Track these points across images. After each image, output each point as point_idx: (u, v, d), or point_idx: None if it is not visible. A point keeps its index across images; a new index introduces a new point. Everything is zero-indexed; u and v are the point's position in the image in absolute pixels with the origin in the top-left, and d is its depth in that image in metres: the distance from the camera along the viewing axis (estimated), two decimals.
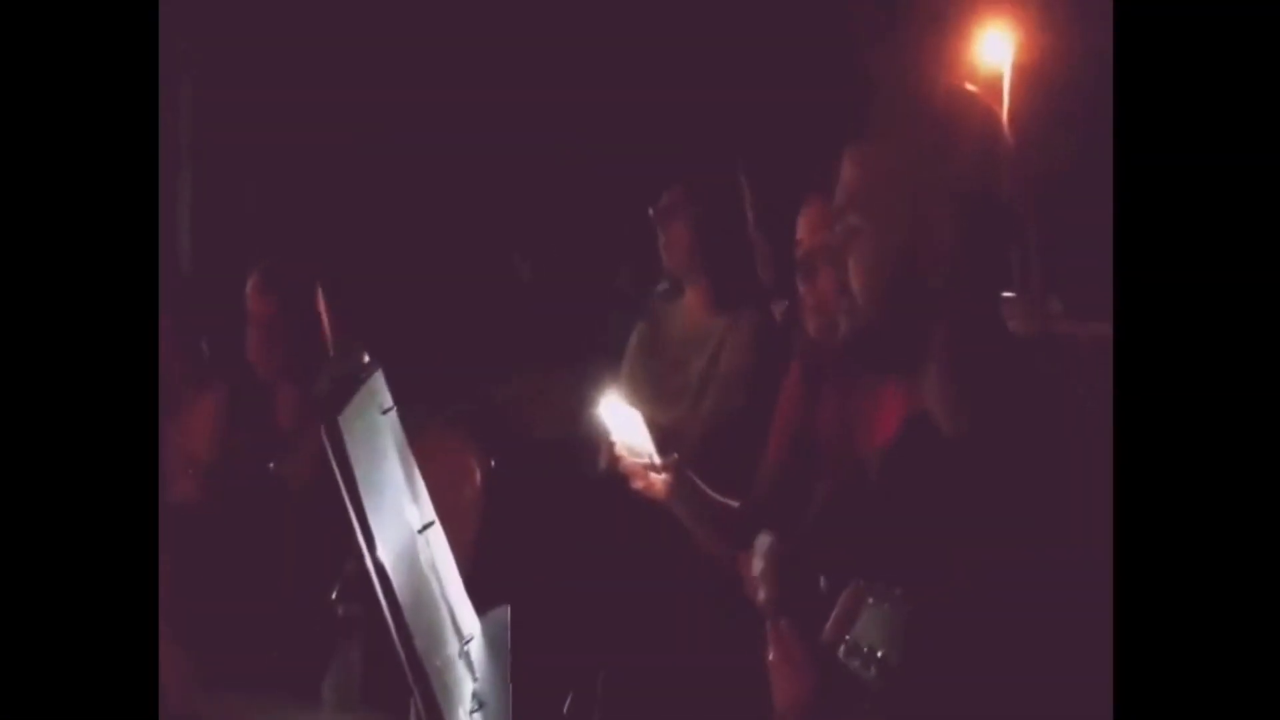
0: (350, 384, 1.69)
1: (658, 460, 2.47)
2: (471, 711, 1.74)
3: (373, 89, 4.86)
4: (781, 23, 4.73)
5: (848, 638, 1.28)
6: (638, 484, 2.50)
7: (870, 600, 1.27)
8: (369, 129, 4.80)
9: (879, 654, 1.24)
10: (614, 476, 2.60)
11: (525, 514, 3.20)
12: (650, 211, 3.13)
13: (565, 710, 3.01)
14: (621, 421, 2.51)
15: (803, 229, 2.36)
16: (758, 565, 1.86)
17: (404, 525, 1.76)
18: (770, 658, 1.41)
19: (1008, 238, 1.42)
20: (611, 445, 2.55)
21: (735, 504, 2.49)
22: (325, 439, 1.50)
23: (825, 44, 4.59)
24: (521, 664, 1.93)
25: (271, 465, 2.88)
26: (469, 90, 4.90)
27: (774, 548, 1.72)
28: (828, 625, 1.31)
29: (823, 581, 1.41)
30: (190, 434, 3.20)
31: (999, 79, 3.73)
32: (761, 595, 1.74)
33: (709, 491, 2.48)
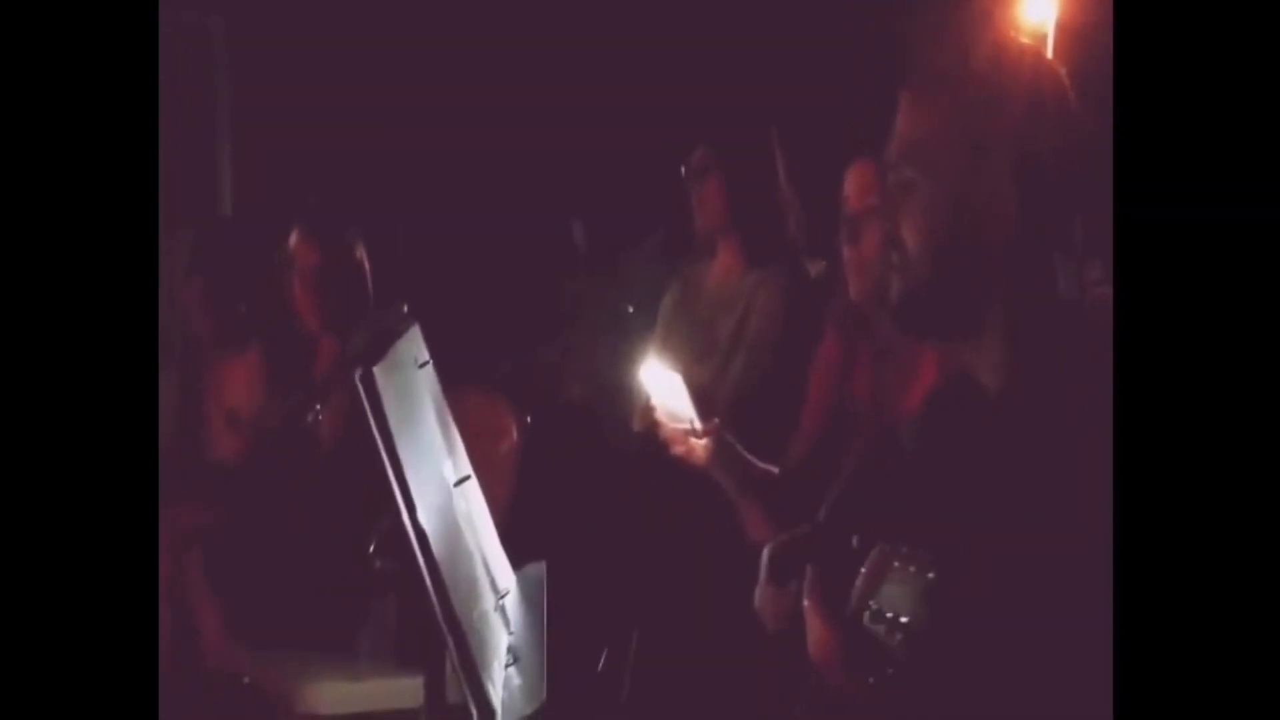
0: (387, 337, 1.69)
1: (699, 425, 2.43)
2: (506, 665, 1.75)
3: (418, 47, 4.85)
4: None
5: (872, 604, 1.27)
6: (678, 450, 2.46)
7: (895, 565, 1.26)
8: (414, 86, 4.80)
9: (903, 620, 1.23)
10: (649, 439, 2.57)
11: (561, 471, 3.20)
12: (682, 170, 3.12)
13: (599, 666, 3.02)
14: (662, 385, 2.48)
15: (851, 189, 2.31)
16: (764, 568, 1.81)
17: (440, 478, 1.76)
18: (805, 605, 1.39)
19: (1066, 195, 1.38)
20: (649, 408, 2.51)
21: (775, 470, 2.47)
22: (361, 390, 1.50)
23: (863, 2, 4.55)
24: (556, 619, 1.94)
25: (312, 418, 2.90)
26: (514, 55, 4.89)
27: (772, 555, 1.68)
28: (854, 590, 1.30)
29: (855, 539, 1.39)
30: (233, 391, 3.22)
31: (1043, 37, 3.68)
32: (767, 620, 1.71)
33: (749, 458, 2.45)
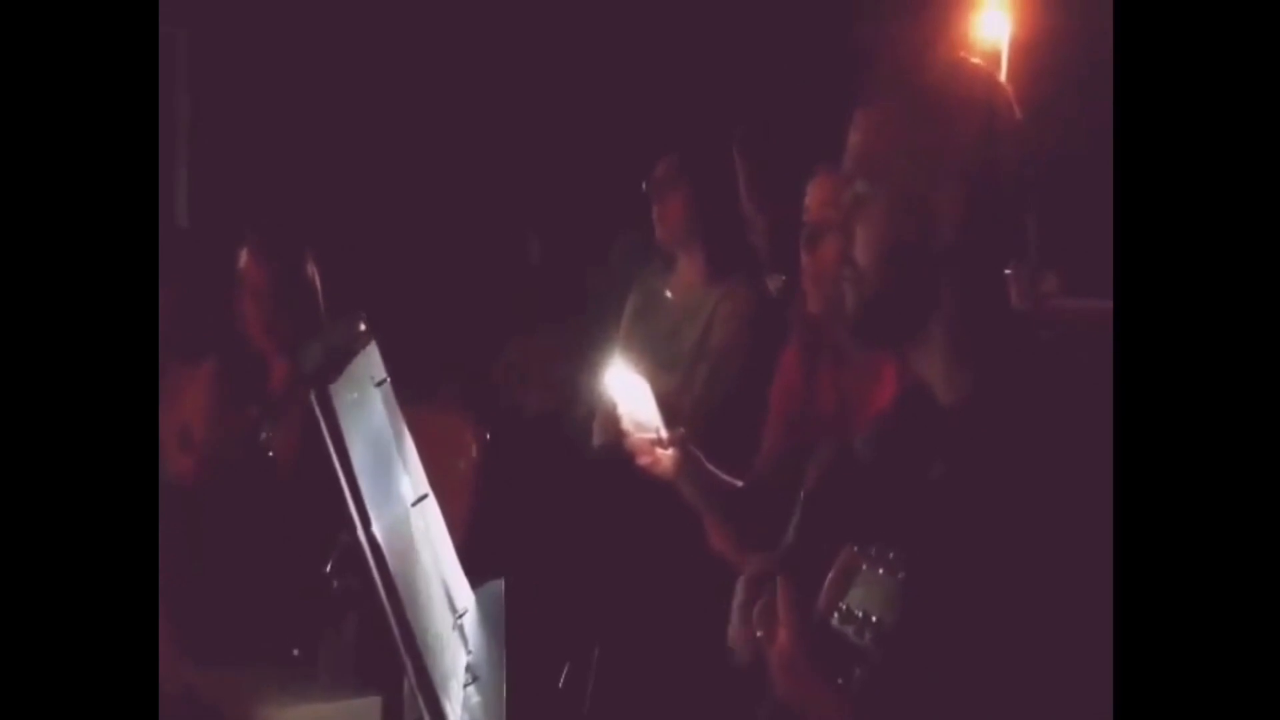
0: (343, 354, 1.67)
1: (664, 434, 2.41)
2: (465, 684, 1.74)
3: (378, 61, 4.84)
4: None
5: (841, 604, 1.27)
6: (643, 460, 2.44)
7: (864, 566, 1.26)
8: (368, 100, 4.79)
9: (873, 619, 1.23)
10: (613, 450, 2.56)
11: (521, 487, 3.19)
12: (644, 184, 3.13)
13: (560, 683, 3.01)
14: (628, 392, 2.46)
15: (811, 200, 2.32)
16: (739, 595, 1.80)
17: (397, 498, 1.75)
18: (778, 610, 1.39)
19: (1015, 209, 1.41)
20: (615, 418, 2.49)
21: (739, 484, 2.46)
22: (317, 409, 1.49)
23: (821, 15, 4.58)
24: (516, 637, 1.93)
25: (264, 435, 2.87)
26: (469, 61, 4.88)
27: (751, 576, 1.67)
28: (822, 592, 1.30)
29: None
30: (184, 409, 3.19)
31: (998, 53, 3.72)
32: (733, 631, 1.70)
33: (714, 470, 2.44)
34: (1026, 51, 3.64)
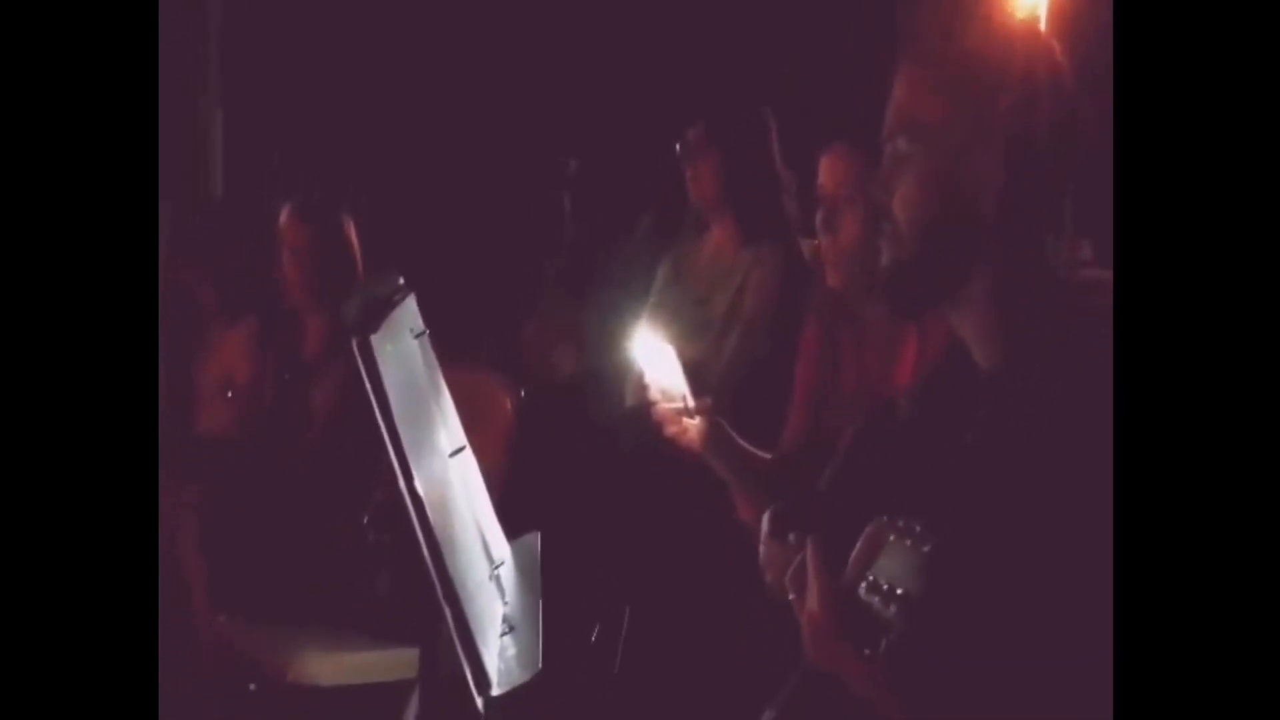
0: (383, 306, 1.69)
1: (692, 403, 2.41)
2: (502, 634, 1.76)
3: (413, 22, 4.84)
4: None
5: (869, 575, 1.27)
6: (671, 430, 2.44)
7: (892, 537, 1.26)
8: (403, 63, 4.80)
9: (899, 591, 1.23)
10: (642, 415, 2.56)
11: (554, 446, 3.20)
12: (677, 147, 3.12)
13: (592, 640, 3.03)
14: (655, 359, 2.46)
15: (825, 174, 2.30)
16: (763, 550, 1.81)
17: (436, 448, 1.76)
18: (808, 573, 1.39)
19: (1057, 171, 1.39)
20: (643, 385, 2.49)
21: (767, 456, 2.46)
22: (358, 358, 1.50)
23: None
24: (549, 593, 1.94)
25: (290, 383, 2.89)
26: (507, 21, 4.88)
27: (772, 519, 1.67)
28: (849, 562, 1.31)
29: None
30: (225, 365, 3.22)
31: (1035, 14, 3.68)
32: (768, 577, 1.71)
33: (741, 442, 2.44)
34: (1066, 12, 3.60)
